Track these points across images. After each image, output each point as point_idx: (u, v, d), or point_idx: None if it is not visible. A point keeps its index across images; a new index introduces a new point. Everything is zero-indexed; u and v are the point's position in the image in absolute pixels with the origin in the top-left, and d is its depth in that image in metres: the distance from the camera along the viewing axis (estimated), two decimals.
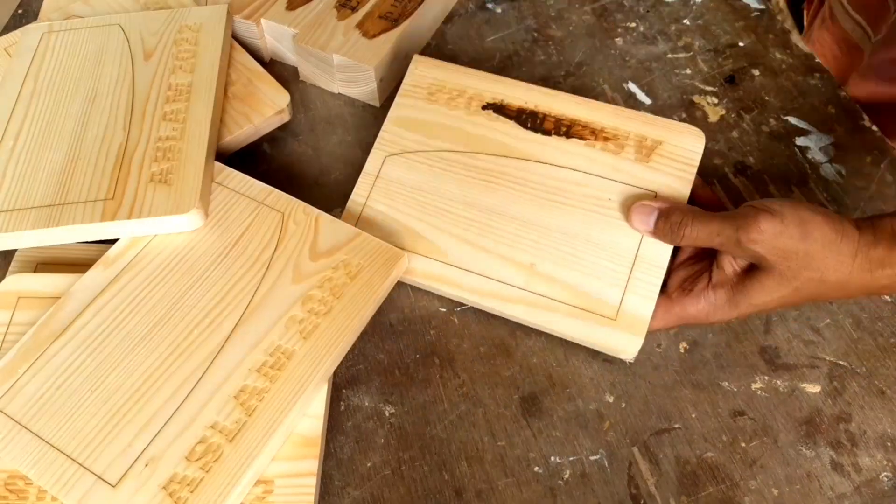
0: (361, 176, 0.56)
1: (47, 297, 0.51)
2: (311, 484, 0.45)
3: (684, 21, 0.70)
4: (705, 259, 0.50)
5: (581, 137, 0.55)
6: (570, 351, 0.52)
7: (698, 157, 0.54)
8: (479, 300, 0.52)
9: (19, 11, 0.73)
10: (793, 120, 0.63)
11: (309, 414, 0.47)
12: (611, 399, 0.50)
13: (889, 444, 0.48)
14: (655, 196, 0.52)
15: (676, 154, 0.54)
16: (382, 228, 0.54)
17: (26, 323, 0.50)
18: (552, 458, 0.48)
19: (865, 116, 0.63)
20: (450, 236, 0.53)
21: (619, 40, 0.69)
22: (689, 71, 0.66)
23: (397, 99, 0.59)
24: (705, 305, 0.48)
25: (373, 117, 0.65)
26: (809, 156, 0.61)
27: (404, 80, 0.59)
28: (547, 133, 0.56)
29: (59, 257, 0.55)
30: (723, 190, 0.59)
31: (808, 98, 0.64)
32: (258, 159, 0.62)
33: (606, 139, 0.55)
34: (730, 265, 0.48)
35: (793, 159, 0.61)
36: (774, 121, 0.63)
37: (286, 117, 0.62)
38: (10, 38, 0.65)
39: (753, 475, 0.47)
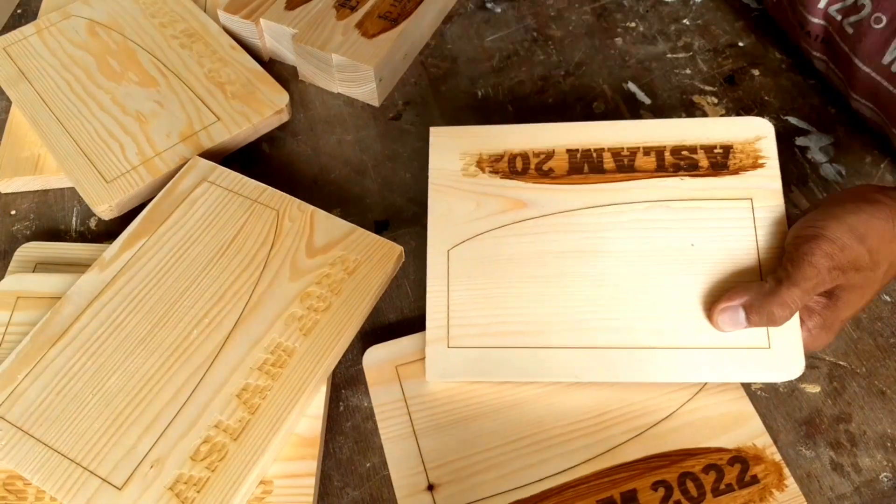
0: (429, 293, 0.49)
1: (47, 297, 0.51)
2: (310, 484, 0.45)
3: (684, 21, 0.70)
4: None
5: (645, 172, 0.50)
6: None
7: (774, 146, 0.50)
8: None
9: (18, 11, 0.73)
10: (793, 120, 0.63)
11: (308, 414, 0.47)
12: None
13: (889, 444, 0.48)
14: (751, 203, 0.49)
15: (749, 150, 0.50)
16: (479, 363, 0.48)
17: (25, 323, 0.50)
18: None
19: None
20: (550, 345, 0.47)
21: (618, 40, 0.69)
22: (688, 71, 0.66)
23: (431, 191, 0.52)
24: (805, 337, 0.46)
25: (372, 117, 0.65)
26: (809, 156, 0.61)
27: (431, 164, 0.53)
28: (606, 175, 0.50)
29: (58, 257, 0.55)
30: None
31: (808, 98, 0.64)
32: (257, 159, 0.62)
33: (677, 161, 0.50)
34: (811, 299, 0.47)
35: (793, 159, 0.60)
36: (774, 121, 0.63)
37: (285, 117, 0.61)
38: (10, 38, 0.65)
39: None
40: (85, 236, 0.58)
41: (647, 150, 0.51)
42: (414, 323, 0.53)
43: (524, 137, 0.53)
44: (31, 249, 0.55)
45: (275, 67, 0.68)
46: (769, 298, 0.44)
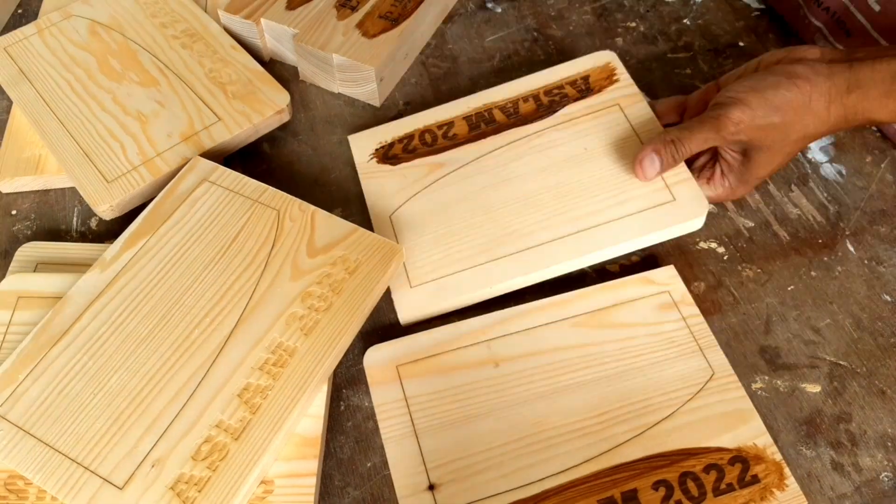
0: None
1: (47, 297, 0.51)
2: (311, 484, 0.45)
3: (684, 21, 0.70)
4: (711, 157, 0.57)
5: (529, 114, 0.60)
6: None
7: (621, 65, 0.61)
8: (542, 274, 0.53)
9: (19, 11, 0.73)
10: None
11: (308, 414, 0.47)
12: None
13: (889, 444, 0.48)
14: (619, 108, 0.59)
15: (603, 74, 0.61)
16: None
17: (26, 323, 0.50)
18: None
19: None
20: (480, 262, 0.54)
21: (619, 40, 0.69)
22: (689, 71, 0.66)
23: (362, 180, 0.60)
24: (723, 190, 0.56)
25: (373, 117, 0.65)
26: (810, 156, 0.61)
27: (356, 161, 0.61)
28: (500, 126, 0.60)
29: (59, 257, 0.55)
30: None
31: None
32: (258, 159, 0.62)
33: (551, 99, 0.60)
34: (729, 155, 0.55)
35: (793, 159, 0.61)
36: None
37: (286, 117, 0.62)
38: (10, 38, 0.65)
39: None
40: (86, 236, 0.58)
41: (525, 98, 0.61)
42: (415, 322, 0.53)
43: (427, 118, 0.62)
44: (32, 249, 0.55)
45: (275, 67, 0.68)
46: (677, 138, 0.53)
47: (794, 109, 0.50)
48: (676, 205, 0.53)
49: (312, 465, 0.46)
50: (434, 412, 0.48)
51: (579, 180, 0.56)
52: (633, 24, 0.70)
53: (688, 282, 0.54)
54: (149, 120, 0.60)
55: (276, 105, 0.60)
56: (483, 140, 0.59)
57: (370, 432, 0.49)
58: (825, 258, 0.55)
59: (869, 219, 0.57)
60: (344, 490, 0.47)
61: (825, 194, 0.59)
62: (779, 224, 0.57)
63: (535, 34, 0.70)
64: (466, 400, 0.48)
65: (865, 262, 0.55)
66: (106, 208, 0.55)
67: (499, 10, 0.72)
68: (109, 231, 0.58)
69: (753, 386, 0.50)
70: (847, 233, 0.56)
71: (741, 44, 0.68)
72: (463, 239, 0.54)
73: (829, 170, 0.60)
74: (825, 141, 0.61)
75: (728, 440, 0.46)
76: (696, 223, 0.54)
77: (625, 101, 0.59)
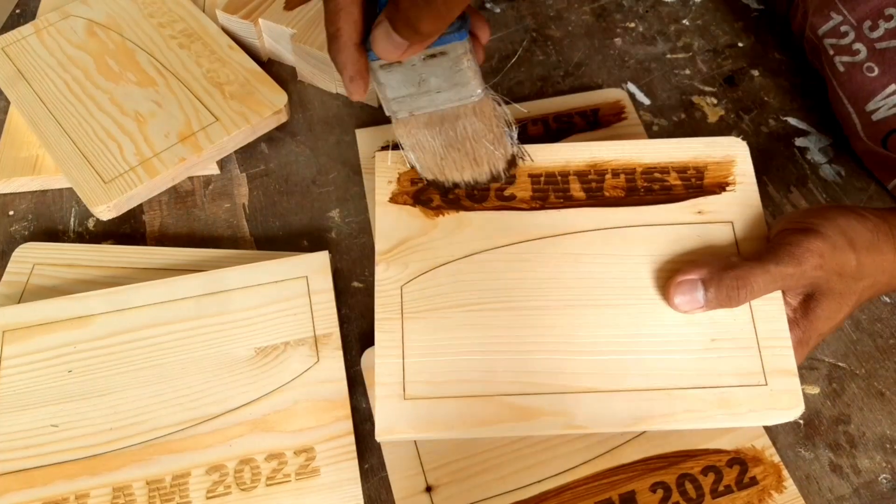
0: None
1: (34, 326, 0.50)
2: (350, 443, 0.46)
3: (683, 21, 0.70)
4: None
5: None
6: None
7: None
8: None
9: (17, 11, 0.73)
10: (792, 121, 0.63)
11: (330, 380, 0.48)
12: None
13: (888, 445, 0.48)
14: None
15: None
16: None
17: (17, 355, 0.49)
18: None
19: None
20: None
21: (618, 40, 0.69)
22: (688, 71, 0.66)
23: (366, 176, 0.53)
24: None
25: (371, 118, 0.65)
26: (809, 157, 0.61)
27: (361, 155, 0.53)
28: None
29: (56, 258, 0.55)
30: None
31: (808, 98, 0.64)
32: (256, 159, 0.62)
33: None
34: (787, 305, 0.44)
35: (792, 160, 0.60)
36: (774, 121, 0.63)
37: (284, 117, 0.61)
38: (8, 38, 0.65)
39: None
40: (83, 237, 0.58)
41: (534, 121, 0.48)
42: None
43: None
44: (29, 250, 0.55)
45: (273, 68, 0.68)
46: (728, 272, 0.41)
47: (866, 248, 0.42)
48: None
49: (348, 425, 0.46)
50: None
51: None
52: (632, 25, 0.70)
53: None
54: (146, 120, 0.59)
55: (273, 105, 0.60)
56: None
57: (367, 434, 0.49)
58: None
59: None
60: None
61: (824, 195, 0.58)
62: None
63: (534, 34, 0.70)
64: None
65: None
66: (103, 209, 0.55)
67: (498, 10, 0.72)
68: (107, 232, 0.58)
69: None
70: None
71: (740, 44, 0.68)
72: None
73: (828, 171, 0.60)
74: (824, 142, 0.61)
75: (726, 442, 0.46)
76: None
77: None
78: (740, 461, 0.45)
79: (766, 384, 0.42)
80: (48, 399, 0.47)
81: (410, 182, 0.48)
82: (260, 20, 0.65)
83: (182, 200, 0.60)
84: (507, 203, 0.47)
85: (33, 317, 0.50)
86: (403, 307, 0.44)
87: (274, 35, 0.66)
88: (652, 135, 0.62)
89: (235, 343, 0.49)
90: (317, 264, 0.53)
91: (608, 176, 0.47)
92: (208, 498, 0.44)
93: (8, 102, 0.63)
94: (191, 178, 0.61)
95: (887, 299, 0.53)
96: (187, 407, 0.47)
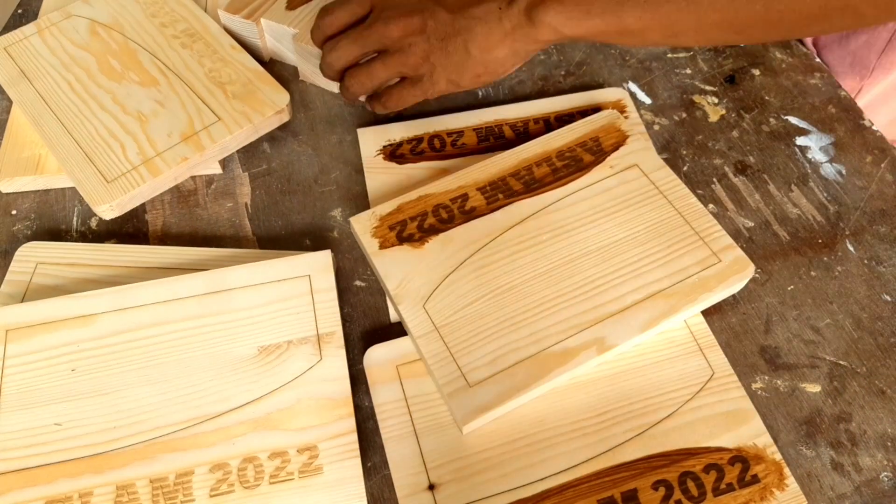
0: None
1: (36, 325, 0.50)
2: (353, 440, 0.46)
3: None
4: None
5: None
6: None
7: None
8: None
9: (19, 11, 0.73)
10: (793, 120, 0.63)
11: (332, 378, 0.48)
12: None
13: (889, 443, 0.48)
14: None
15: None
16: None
17: (21, 354, 0.49)
18: None
19: (866, 116, 0.63)
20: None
21: None
22: (689, 70, 0.66)
23: (367, 175, 0.60)
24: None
25: (372, 117, 0.65)
26: (809, 155, 0.61)
27: (363, 155, 0.61)
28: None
29: (59, 257, 0.55)
30: (723, 189, 0.59)
31: (808, 98, 0.64)
32: (258, 158, 0.62)
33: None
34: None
35: (793, 159, 0.61)
36: (774, 120, 0.63)
37: (286, 117, 0.61)
38: (10, 38, 0.65)
39: None
40: (86, 236, 0.58)
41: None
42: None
43: (438, 124, 0.62)
44: (32, 249, 0.55)
45: (275, 67, 0.68)
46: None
47: None
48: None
49: (351, 423, 0.47)
50: (434, 412, 0.48)
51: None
52: None
53: None
54: (149, 120, 0.60)
55: (275, 105, 0.60)
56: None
57: (370, 432, 0.49)
58: (825, 258, 0.55)
59: (869, 219, 0.57)
60: None
61: (825, 194, 0.59)
62: (779, 224, 0.57)
63: None
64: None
65: (865, 261, 0.55)
66: (105, 208, 0.55)
67: None
68: (110, 231, 0.58)
69: (753, 386, 0.50)
70: (847, 233, 0.56)
71: (741, 44, 0.68)
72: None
73: (829, 170, 0.60)
74: (825, 140, 0.61)
75: (728, 440, 0.46)
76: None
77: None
78: (742, 459, 0.46)
79: (721, 260, 0.51)
80: (51, 398, 0.47)
81: (388, 228, 0.54)
82: (262, 20, 0.65)
83: (184, 200, 0.60)
84: (470, 215, 0.55)
85: (36, 316, 0.50)
86: (434, 320, 0.50)
87: (276, 35, 0.66)
88: (653, 134, 0.62)
89: (238, 342, 0.49)
90: (320, 263, 0.53)
91: (534, 167, 0.57)
92: (211, 496, 0.44)
93: (10, 102, 0.64)
94: (193, 178, 0.61)
95: (888, 297, 0.53)
96: (190, 405, 0.47)
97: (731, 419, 0.47)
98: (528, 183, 0.56)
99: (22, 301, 0.53)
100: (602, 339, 0.48)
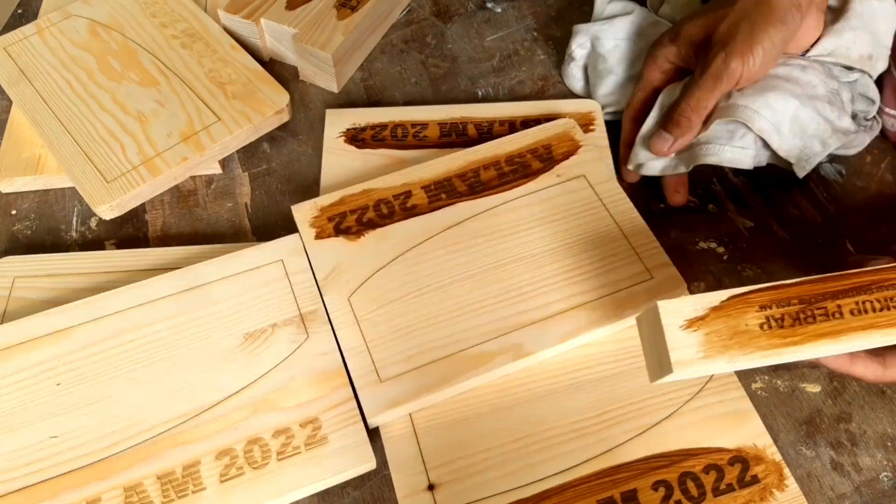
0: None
1: (18, 345, 0.49)
2: (353, 408, 0.47)
3: None
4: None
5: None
6: None
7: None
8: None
9: (19, 11, 0.73)
10: None
11: (323, 352, 0.49)
12: None
13: (889, 443, 0.48)
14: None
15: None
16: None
17: (4, 376, 0.48)
18: None
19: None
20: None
21: None
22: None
23: (325, 156, 0.60)
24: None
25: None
26: None
27: (326, 135, 0.61)
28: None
29: (38, 270, 0.55)
30: (723, 190, 0.59)
31: None
32: (258, 158, 0.62)
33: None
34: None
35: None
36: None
37: (286, 117, 0.61)
38: (10, 38, 0.65)
39: None
40: (86, 236, 0.58)
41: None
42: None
43: (404, 114, 0.62)
44: (9, 264, 0.55)
45: (275, 67, 0.68)
46: (675, 109, 0.52)
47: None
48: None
49: (348, 392, 0.48)
50: (434, 412, 0.48)
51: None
52: None
53: (688, 282, 0.54)
54: (148, 120, 0.59)
55: (275, 105, 0.60)
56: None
57: (370, 432, 0.49)
58: (825, 258, 0.55)
59: (869, 218, 0.57)
60: (344, 490, 0.47)
61: (825, 194, 0.59)
62: (779, 224, 0.57)
63: (535, 34, 0.70)
64: (466, 400, 0.49)
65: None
66: (105, 208, 0.55)
67: (499, 9, 0.72)
68: (109, 231, 0.58)
69: (753, 386, 0.50)
70: (847, 232, 0.56)
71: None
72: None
73: (829, 169, 0.60)
74: None
75: (728, 441, 0.46)
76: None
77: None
78: (742, 459, 0.46)
79: (653, 277, 0.51)
80: (43, 414, 0.47)
81: (327, 219, 0.55)
82: (262, 20, 0.65)
83: (184, 200, 0.60)
84: (411, 212, 0.55)
85: (11, 338, 0.50)
86: (356, 314, 0.51)
87: (276, 35, 0.66)
88: None
89: (223, 332, 0.50)
90: (290, 247, 0.54)
91: (481, 170, 0.57)
92: (222, 481, 0.45)
93: (10, 102, 0.63)
94: (193, 178, 0.61)
95: None
96: (185, 400, 0.47)
97: (730, 420, 0.47)
98: (473, 185, 0.56)
99: (2, 317, 0.52)
100: (519, 346, 0.48)
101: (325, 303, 0.51)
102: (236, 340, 0.50)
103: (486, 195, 0.56)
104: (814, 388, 0.50)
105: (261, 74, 0.62)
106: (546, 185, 0.56)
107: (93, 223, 0.59)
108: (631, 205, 0.55)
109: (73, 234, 0.59)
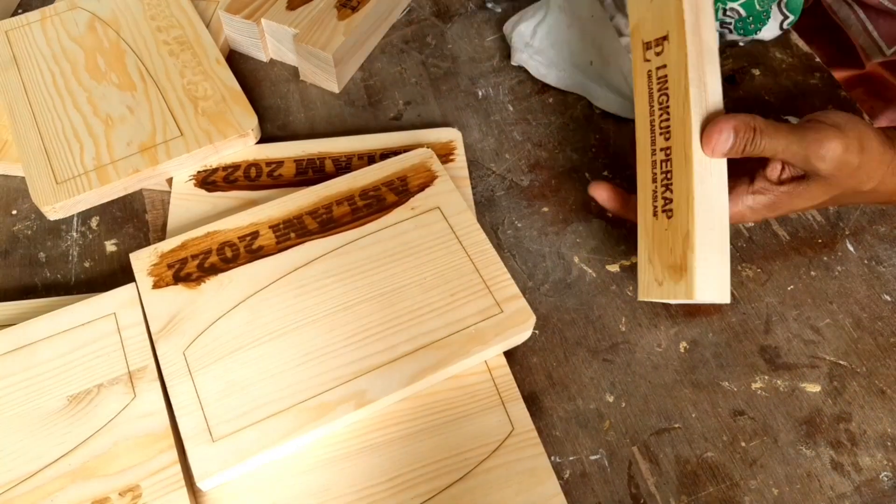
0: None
1: None
2: (177, 472, 0.44)
3: None
4: (740, 164, 0.49)
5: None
6: (570, 350, 0.52)
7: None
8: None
9: (20, 11, 0.73)
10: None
11: (149, 413, 0.46)
12: (611, 399, 0.50)
13: (889, 443, 0.48)
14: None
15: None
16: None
17: None
18: (552, 458, 0.48)
19: (866, 116, 0.63)
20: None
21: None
22: None
23: (172, 202, 0.57)
24: (743, 209, 0.49)
25: (373, 117, 0.65)
26: None
27: (174, 180, 0.58)
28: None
29: None
30: None
31: (808, 98, 0.64)
32: None
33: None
34: (775, 173, 0.49)
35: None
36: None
37: (251, 141, 0.60)
38: (14, 22, 0.65)
39: (753, 475, 0.47)
40: (86, 236, 0.58)
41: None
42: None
43: (258, 152, 0.60)
44: None
45: (275, 68, 0.68)
46: (760, 128, 0.46)
47: (874, 156, 0.47)
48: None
49: (172, 455, 0.45)
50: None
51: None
52: None
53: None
54: (114, 124, 0.59)
55: (241, 128, 0.59)
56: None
57: None
58: (825, 258, 0.55)
59: (869, 218, 0.57)
60: None
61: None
62: (778, 224, 0.57)
63: None
64: (250, 474, 0.46)
65: (865, 261, 0.55)
66: (49, 209, 0.55)
67: (499, 10, 0.72)
68: (109, 231, 0.58)
69: (753, 385, 0.50)
70: (847, 232, 0.57)
71: (741, 44, 0.68)
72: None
73: None
74: None
75: (522, 502, 0.44)
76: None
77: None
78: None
79: (503, 311, 0.50)
80: None
81: (167, 266, 0.52)
82: (262, 20, 0.65)
83: None
84: (256, 254, 0.53)
85: None
86: (190, 367, 0.47)
87: (276, 35, 0.66)
88: None
89: (46, 395, 0.47)
90: (124, 298, 0.51)
91: (334, 206, 0.55)
92: None
93: None
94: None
95: (888, 297, 0.53)
96: (1, 470, 0.45)
97: (526, 479, 0.45)
98: (325, 222, 0.54)
99: None
100: (362, 392, 0.46)
101: (158, 357, 0.48)
102: (60, 403, 0.47)
103: (338, 232, 0.53)
104: (814, 388, 0.50)
105: (236, 94, 0.61)
106: (400, 219, 0.54)
107: (93, 223, 0.59)
108: (483, 236, 0.53)
109: (74, 233, 0.59)
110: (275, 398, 0.46)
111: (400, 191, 0.55)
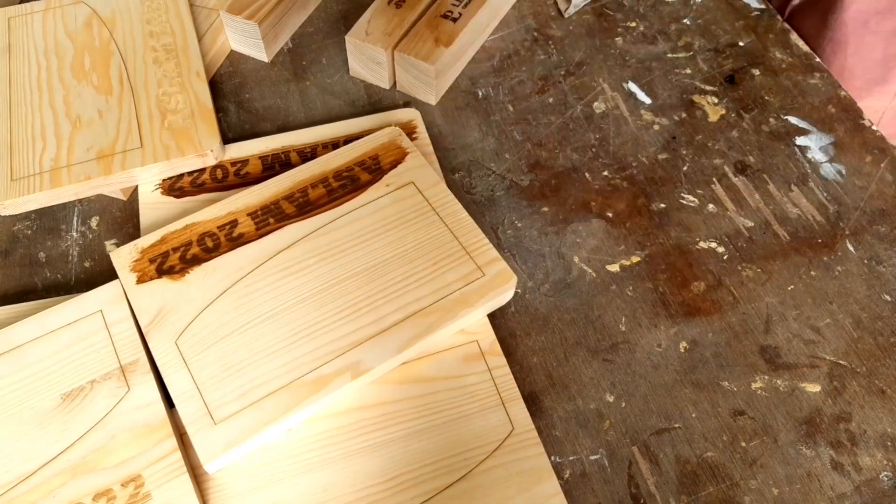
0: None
1: None
2: (178, 459, 0.45)
3: (684, 21, 0.70)
4: None
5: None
6: (570, 350, 0.52)
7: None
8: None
9: None
10: (793, 119, 0.63)
11: (144, 404, 0.47)
12: (611, 398, 0.50)
13: (889, 443, 0.48)
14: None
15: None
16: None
17: None
18: (552, 458, 0.48)
19: (866, 116, 0.63)
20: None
21: (619, 40, 0.69)
22: (689, 70, 0.66)
23: (142, 213, 0.57)
24: None
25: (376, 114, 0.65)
26: (809, 155, 0.61)
27: (140, 192, 0.58)
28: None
29: None
30: (723, 189, 0.59)
31: (808, 98, 0.64)
32: None
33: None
34: None
35: (793, 159, 0.61)
36: (774, 120, 0.63)
37: (209, 161, 0.59)
38: (18, 10, 0.65)
39: (753, 474, 0.47)
40: (86, 236, 0.58)
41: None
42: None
43: (224, 154, 0.60)
44: None
45: (275, 68, 0.68)
46: None
47: None
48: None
49: (172, 444, 0.45)
50: (228, 473, 0.46)
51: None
52: (633, 24, 0.70)
53: (688, 282, 0.54)
54: (81, 127, 0.58)
55: (200, 148, 0.58)
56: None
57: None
58: (825, 258, 0.55)
59: (869, 218, 0.57)
60: None
61: (825, 194, 0.59)
62: (779, 224, 0.57)
63: (535, 34, 0.70)
64: (250, 471, 0.46)
65: (865, 261, 0.55)
66: None
67: None
68: (109, 231, 0.58)
69: (753, 385, 0.50)
70: (847, 232, 0.57)
71: (741, 43, 0.68)
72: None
73: (828, 169, 0.60)
74: (825, 140, 0.61)
75: (522, 502, 0.45)
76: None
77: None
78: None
79: (484, 274, 0.51)
80: None
81: (149, 261, 0.53)
82: (396, 53, 0.63)
83: None
84: (237, 242, 0.54)
85: None
86: (184, 356, 0.48)
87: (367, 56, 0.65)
88: (653, 134, 0.62)
89: (39, 395, 0.48)
90: (110, 295, 0.51)
91: (309, 189, 0.56)
92: None
93: None
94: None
95: (888, 297, 0.53)
96: (0, 471, 0.45)
97: (526, 479, 0.45)
98: (302, 206, 0.55)
99: None
100: (357, 363, 0.47)
101: (151, 349, 0.49)
102: (54, 402, 0.47)
103: (316, 214, 0.54)
104: (814, 388, 0.50)
105: (206, 112, 0.60)
106: (376, 196, 0.55)
107: (93, 223, 0.59)
108: (459, 206, 0.54)
109: (74, 233, 0.59)
110: (272, 377, 0.47)
111: (373, 169, 0.57)
